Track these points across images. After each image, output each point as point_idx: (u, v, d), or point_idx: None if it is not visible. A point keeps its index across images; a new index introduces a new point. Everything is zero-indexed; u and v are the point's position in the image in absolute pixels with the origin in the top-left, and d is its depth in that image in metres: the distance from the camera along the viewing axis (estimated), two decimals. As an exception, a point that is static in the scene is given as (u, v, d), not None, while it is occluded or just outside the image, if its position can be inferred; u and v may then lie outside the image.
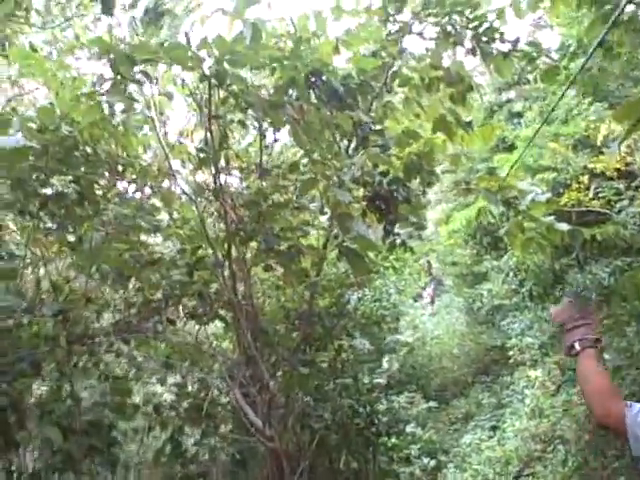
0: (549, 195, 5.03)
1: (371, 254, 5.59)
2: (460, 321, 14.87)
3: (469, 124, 4.64)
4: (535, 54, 4.78)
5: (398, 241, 4.48)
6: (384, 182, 4.07)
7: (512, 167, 6.96)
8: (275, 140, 4.47)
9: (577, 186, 7.29)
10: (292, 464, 5.30)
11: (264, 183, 4.31)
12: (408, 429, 8.63)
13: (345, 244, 4.37)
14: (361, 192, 4.14)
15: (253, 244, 4.53)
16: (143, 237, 4.40)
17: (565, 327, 2.86)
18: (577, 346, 2.79)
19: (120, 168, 4.26)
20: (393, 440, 7.73)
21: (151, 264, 4.28)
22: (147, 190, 4.44)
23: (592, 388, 2.68)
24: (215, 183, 4.14)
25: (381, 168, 4.11)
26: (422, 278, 12.43)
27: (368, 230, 4.04)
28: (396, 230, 4.39)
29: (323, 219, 5.09)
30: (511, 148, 9.72)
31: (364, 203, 4.17)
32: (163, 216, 4.52)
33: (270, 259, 4.38)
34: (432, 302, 17.33)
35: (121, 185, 4.40)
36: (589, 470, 8.25)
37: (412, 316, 14.12)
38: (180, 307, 4.58)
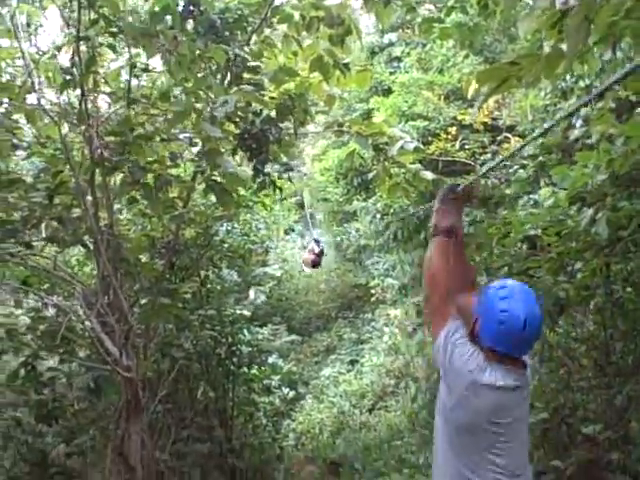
0: (417, 144, 5.19)
1: (241, 189, 5.58)
2: (328, 257, 15.16)
3: (346, 66, 4.67)
4: (415, 4, 4.85)
5: (267, 180, 4.51)
6: (257, 121, 4.06)
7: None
8: (146, 68, 4.31)
9: (445, 136, 7.53)
10: (150, 392, 5.34)
11: (132, 112, 4.17)
12: (270, 360, 8.79)
13: (213, 178, 4.36)
14: (232, 129, 4.11)
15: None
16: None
17: (434, 208, 3.01)
18: (435, 229, 2.93)
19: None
20: (253, 371, 7.88)
21: (9, 184, 4.10)
22: (7, 106, 4.21)
23: (436, 273, 2.82)
24: (80, 106, 3.98)
25: (254, 107, 4.10)
26: (292, 215, 12.89)
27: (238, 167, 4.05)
28: (266, 170, 4.41)
29: (193, 150, 5.03)
30: (388, 92, 9.83)
31: (235, 141, 4.15)
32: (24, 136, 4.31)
33: (135, 191, 4.29)
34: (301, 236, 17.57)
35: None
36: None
37: (281, 249, 14.30)
38: (39, 230, 4.41)
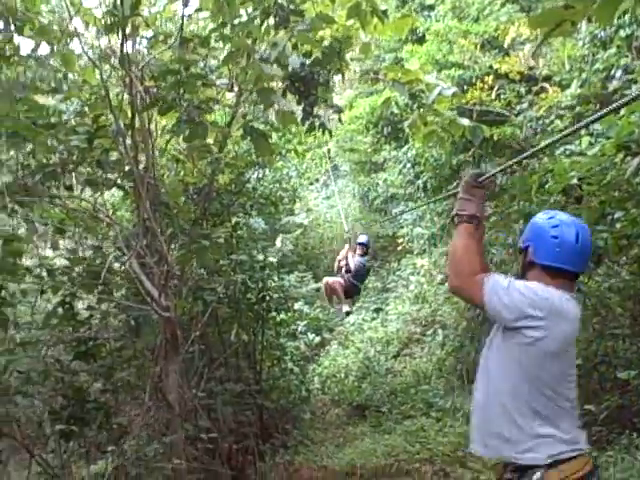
0: (455, 89, 5.16)
1: (275, 136, 5.61)
2: (354, 207, 15.13)
3: (384, 13, 4.63)
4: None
5: (317, 123, 4.53)
6: (306, 64, 4.07)
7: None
8: (199, 9, 4.28)
9: (481, 85, 7.46)
10: (184, 334, 5.46)
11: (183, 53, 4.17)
12: (296, 306, 8.92)
13: (251, 124, 4.39)
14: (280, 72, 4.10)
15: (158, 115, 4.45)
16: (42, 99, 4.23)
17: (458, 196, 3.01)
18: (455, 219, 2.97)
19: (18, 24, 4.04)
20: (282, 316, 8.01)
21: (49, 127, 4.14)
22: (46, 49, 4.24)
23: (463, 261, 2.83)
24: (122, 50, 4.01)
25: (303, 50, 4.10)
26: (323, 164, 12.33)
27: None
28: (315, 112, 4.43)
29: (229, 96, 5.05)
30: (420, 40, 9.69)
31: (283, 84, 4.17)
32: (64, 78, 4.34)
33: (178, 133, 4.30)
34: (326, 186, 17.39)
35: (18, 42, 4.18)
36: (464, 353, 8.88)
37: (307, 199, 14.27)
38: (78, 174, 4.48)
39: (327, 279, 10.34)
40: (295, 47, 4.04)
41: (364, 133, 10.40)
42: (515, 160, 3.61)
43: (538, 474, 2.65)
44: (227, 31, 4.08)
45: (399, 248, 12.21)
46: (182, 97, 4.01)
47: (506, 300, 2.68)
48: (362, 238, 10.53)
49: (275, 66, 3.84)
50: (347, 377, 10.00)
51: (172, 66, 4.02)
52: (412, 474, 6.58)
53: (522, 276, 2.87)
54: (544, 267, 2.79)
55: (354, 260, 10.04)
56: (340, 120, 5.65)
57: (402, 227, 12.20)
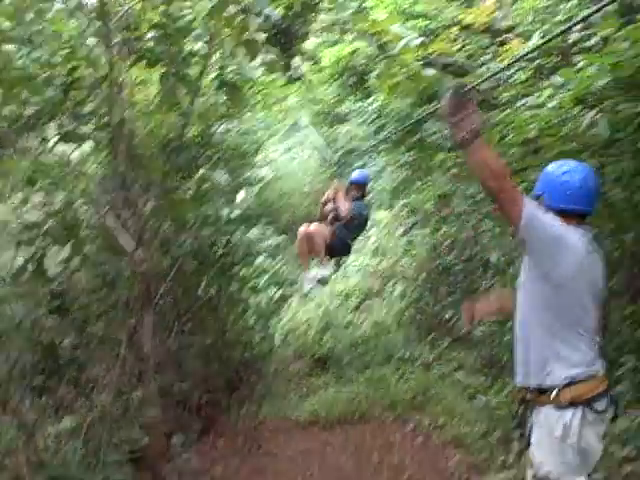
0: (423, 39, 5.18)
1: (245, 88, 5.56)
2: (314, 159, 15.04)
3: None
4: None
5: (296, 75, 4.52)
6: (288, 15, 4.05)
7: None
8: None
9: (445, 36, 7.47)
10: (155, 288, 5.46)
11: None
12: (258, 261, 8.91)
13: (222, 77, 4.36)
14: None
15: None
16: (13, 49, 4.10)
17: (449, 122, 2.98)
18: (468, 136, 2.90)
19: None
20: (244, 271, 8.01)
21: (21, 80, 4.04)
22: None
23: (496, 166, 2.88)
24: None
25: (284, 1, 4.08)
26: (290, 116, 11.84)
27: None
28: (294, 64, 4.43)
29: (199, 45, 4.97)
30: None
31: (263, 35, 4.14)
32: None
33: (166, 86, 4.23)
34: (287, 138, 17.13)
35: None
36: (423, 304, 9.04)
37: (268, 152, 14.14)
38: (53, 126, 4.39)
39: (306, 227, 7.80)
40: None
41: (328, 83, 10.25)
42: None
43: (554, 392, 2.98)
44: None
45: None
46: (169, 50, 3.96)
47: (544, 219, 2.93)
48: (357, 174, 8.06)
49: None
50: (308, 331, 10.10)
51: (157, 19, 3.96)
52: (373, 420, 6.81)
53: None
54: (559, 211, 3.06)
55: (345, 205, 7.49)
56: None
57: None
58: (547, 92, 5.73)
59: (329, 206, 7.68)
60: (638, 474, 4.24)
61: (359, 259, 11.70)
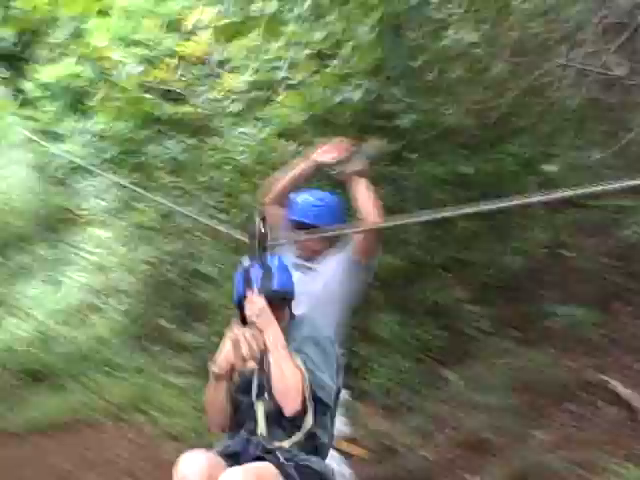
0: (142, 68, 5.69)
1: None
2: (30, 178, 14.47)
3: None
4: None
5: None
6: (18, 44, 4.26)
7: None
8: None
9: (165, 66, 8.00)
10: None
11: None
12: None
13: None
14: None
15: None
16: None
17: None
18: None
19: None
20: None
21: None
22: None
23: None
24: None
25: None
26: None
27: None
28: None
29: None
30: (101, 14, 9.65)
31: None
32: None
33: None
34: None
35: None
36: (146, 320, 9.42)
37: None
38: None
39: None
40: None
41: (48, 100, 10.20)
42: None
43: None
44: None
45: (82, 220, 12.21)
46: None
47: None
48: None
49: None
50: (21, 347, 9.92)
51: None
52: (91, 423, 7.16)
53: None
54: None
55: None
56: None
57: (86, 200, 12.18)
58: (258, 124, 6.58)
59: None
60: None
61: (79, 277, 11.65)
